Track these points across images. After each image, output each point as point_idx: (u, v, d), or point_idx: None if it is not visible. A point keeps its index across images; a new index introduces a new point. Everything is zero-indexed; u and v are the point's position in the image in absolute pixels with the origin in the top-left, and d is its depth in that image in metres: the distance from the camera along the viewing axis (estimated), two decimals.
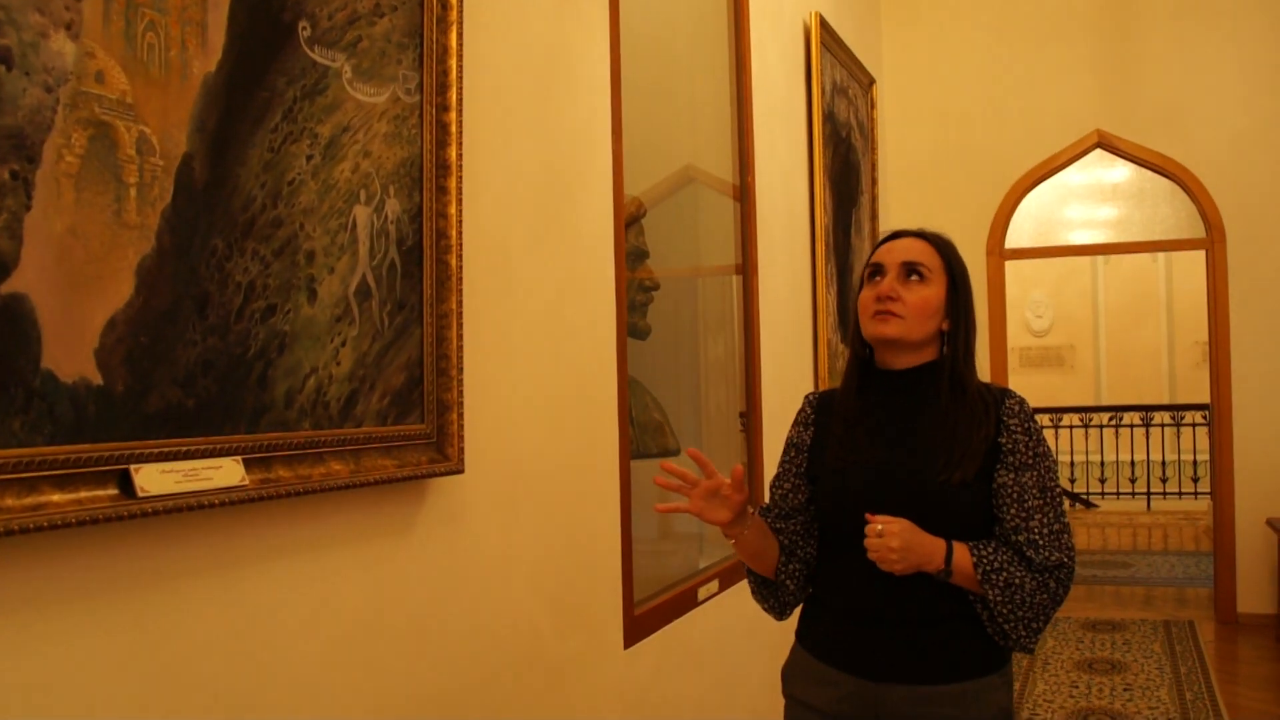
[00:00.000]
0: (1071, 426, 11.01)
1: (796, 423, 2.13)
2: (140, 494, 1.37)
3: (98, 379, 1.34)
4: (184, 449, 1.45)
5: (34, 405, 1.26)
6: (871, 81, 5.68)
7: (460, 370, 2.01)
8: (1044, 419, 10.85)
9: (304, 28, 1.68)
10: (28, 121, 1.26)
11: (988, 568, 1.85)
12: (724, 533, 1.97)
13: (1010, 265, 6.37)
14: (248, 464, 1.55)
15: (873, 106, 5.71)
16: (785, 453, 2.13)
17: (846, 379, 2.09)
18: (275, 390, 1.62)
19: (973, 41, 6.45)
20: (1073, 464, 10.86)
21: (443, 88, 2.00)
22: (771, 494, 2.13)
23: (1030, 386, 11.58)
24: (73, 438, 1.30)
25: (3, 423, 1.22)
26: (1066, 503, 10.76)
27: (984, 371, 2.03)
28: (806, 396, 2.16)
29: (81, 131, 1.32)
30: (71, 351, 1.31)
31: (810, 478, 2.08)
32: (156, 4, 1.43)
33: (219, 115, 1.52)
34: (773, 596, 2.10)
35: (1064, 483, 10.89)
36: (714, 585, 3.32)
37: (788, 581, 2.06)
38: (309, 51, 1.69)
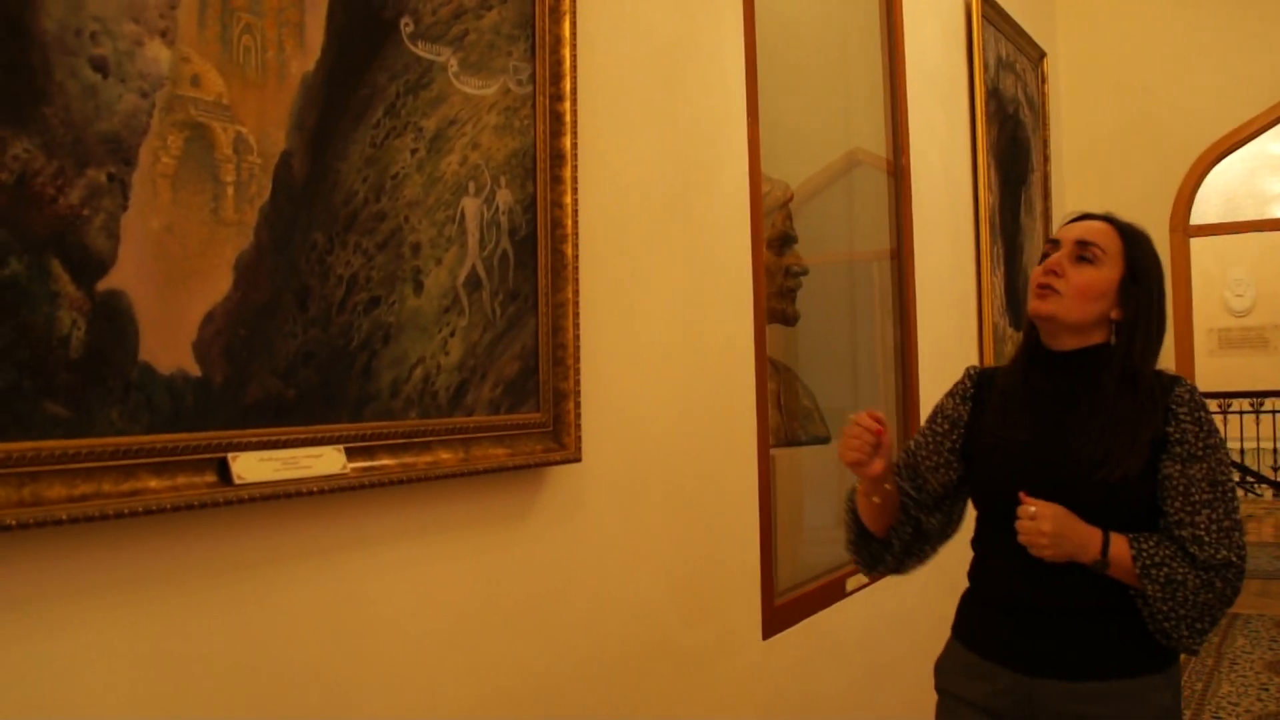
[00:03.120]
0: (1275, 411, 10.31)
1: (953, 394, 2.06)
2: (237, 481, 1.42)
3: (196, 370, 1.39)
4: (283, 438, 1.50)
5: (132, 396, 1.32)
6: (1042, 55, 5.43)
7: (577, 359, 2.01)
8: (1242, 404, 10.20)
9: (406, 24, 1.71)
10: (124, 126, 1.31)
11: (1147, 562, 1.76)
12: (866, 487, 1.95)
13: (1206, 242, 6.02)
14: (350, 453, 1.59)
15: (1043, 81, 5.46)
16: (934, 421, 2.07)
17: (1015, 356, 2.03)
18: (380, 380, 1.65)
19: (1153, 7, 6.08)
20: (1276, 450, 10.16)
21: (556, 78, 2.00)
22: (908, 456, 2.07)
23: (1230, 370, 10.91)
24: (170, 427, 1.36)
25: (101, 412, 1.29)
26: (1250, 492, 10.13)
27: (1168, 355, 1.91)
28: (968, 369, 2.09)
29: (178, 134, 1.37)
30: (169, 344, 1.37)
31: (964, 455, 2.01)
32: (252, 7, 1.47)
33: (318, 113, 1.56)
34: (870, 551, 2.06)
35: (1267, 471, 10.22)
36: (864, 576, 3.25)
37: (894, 541, 2.02)
38: (412, 47, 1.72)
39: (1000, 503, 1.87)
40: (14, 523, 1.18)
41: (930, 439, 2.06)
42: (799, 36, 3.44)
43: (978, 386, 2.05)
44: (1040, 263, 1.95)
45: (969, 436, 2.02)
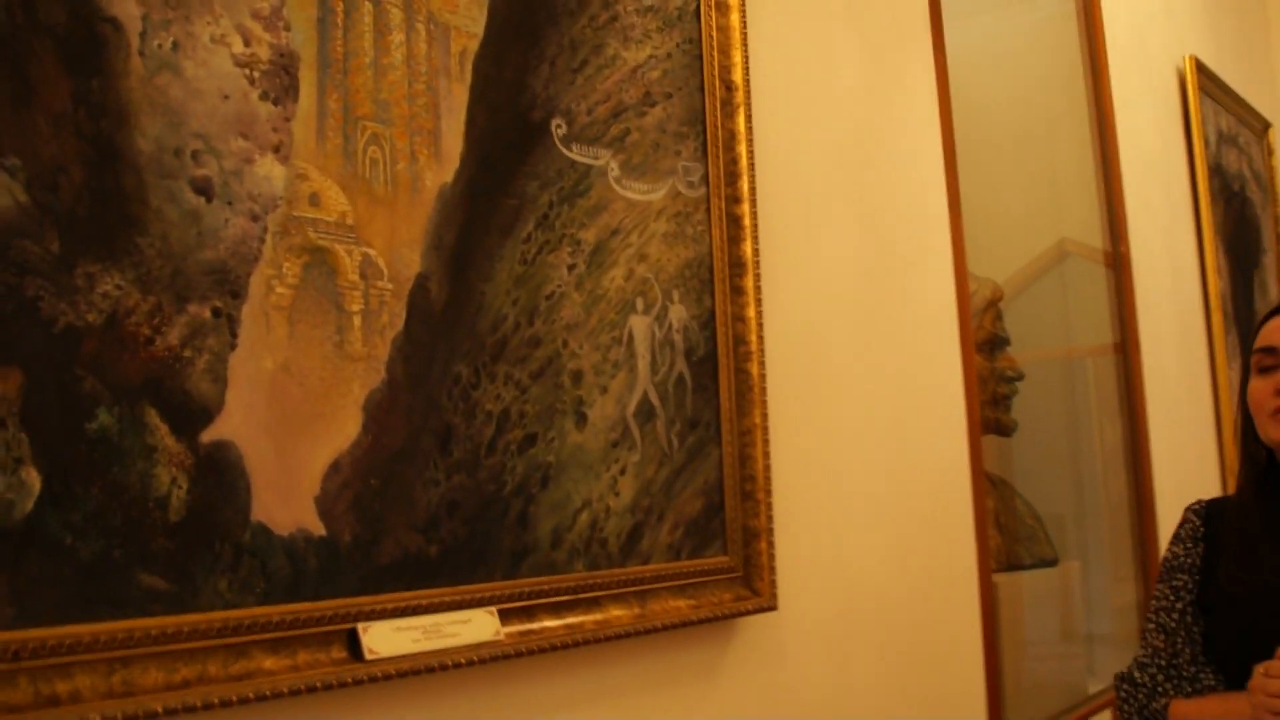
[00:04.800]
0: None
1: (1179, 539, 1.74)
2: (369, 656, 1.22)
3: (319, 529, 1.21)
4: (424, 602, 1.29)
5: (243, 563, 1.14)
6: (1266, 126, 4.98)
7: (769, 492, 1.76)
8: None
9: (558, 125, 1.53)
10: (231, 254, 1.16)
11: None
12: None
13: None
14: (505, 615, 1.38)
15: (1270, 154, 5.00)
16: (1171, 577, 1.72)
17: (1242, 485, 1.69)
18: (539, 529, 1.44)
19: None
20: None
21: (732, 177, 1.79)
22: (1161, 640, 1.70)
23: None
24: (289, 596, 1.17)
25: (207, 583, 1.11)
26: None
27: None
28: (1189, 508, 1.76)
29: (294, 260, 1.21)
30: (287, 501, 1.18)
31: (1203, 607, 1.67)
32: (379, 115, 1.31)
33: (458, 229, 1.39)
34: None
35: None
36: (1104, 717, 2.85)
37: None
38: (566, 151, 1.54)
39: (1249, 662, 1.51)
40: (99, 718, 1.00)
41: (1172, 598, 1.71)
42: (998, 121, 3.17)
43: (1207, 523, 1.72)
44: (1250, 374, 1.66)
45: (1205, 584, 1.67)
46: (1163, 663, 1.68)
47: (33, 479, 1.00)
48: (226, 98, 1.17)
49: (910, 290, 2.28)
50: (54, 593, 1.00)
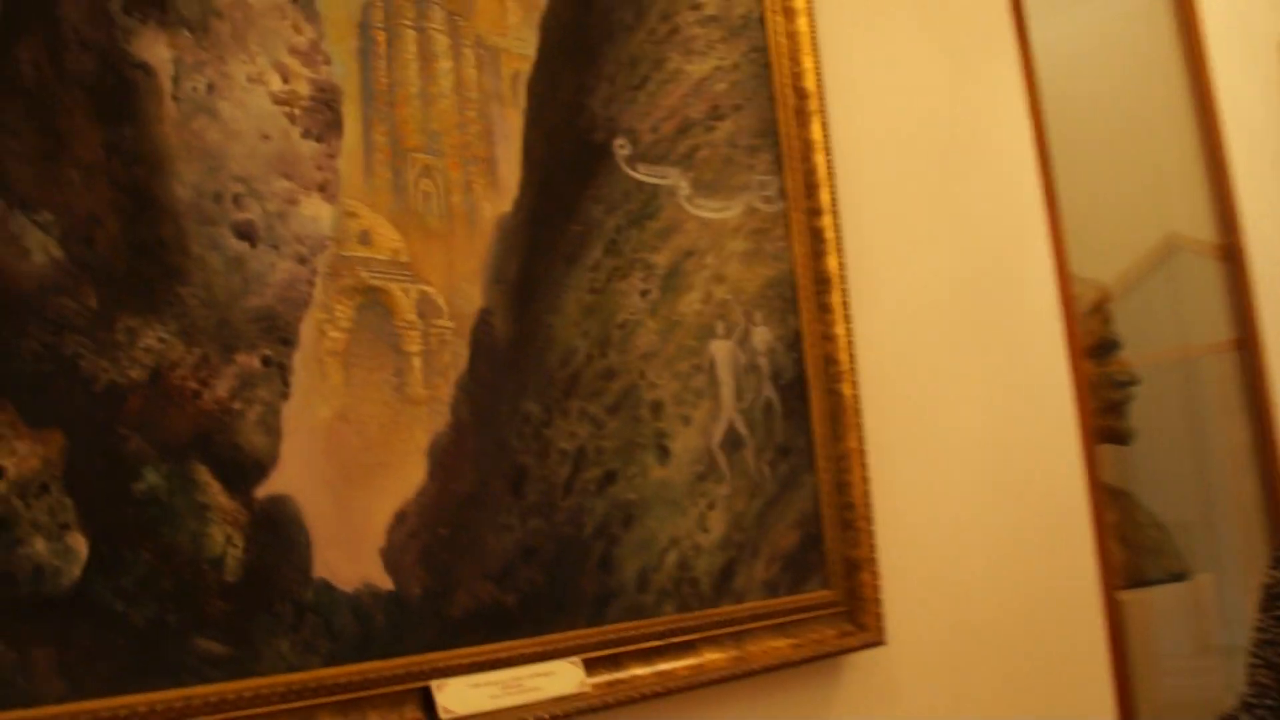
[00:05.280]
0: None
1: None
2: (444, 715, 1.15)
3: (387, 583, 1.14)
4: (502, 655, 1.22)
5: (306, 622, 1.08)
6: None
7: (869, 520, 1.66)
8: None
9: (621, 146, 1.46)
10: (279, 299, 1.11)
11: None
12: None
13: None
14: (590, 665, 1.30)
15: None
16: (1271, 607, 1.57)
17: None
18: (623, 572, 1.36)
19: None
20: None
21: (811, 189, 1.70)
22: (1270, 678, 1.56)
23: None
24: (356, 655, 1.11)
25: (267, 645, 1.05)
26: None
27: None
28: None
29: (347, 301, 1.16)
30: (351, 555, 1.12)
31: None
32: (430, 146, 1.26)
33: (521, 260, 1.32)
34: None
35: None
36: None
37: None
38: (631, 172, 1.47)
39: None
40: None
41: (1278, 630, 1.56)
42: (1092, 115, 3.03)
43: None
44: None
45: None
46: (1271, 702, 1.53)
47: (80, 545, 0.95)
48: (266, 138, 1.12)
49: (1009, 296, 2.16)
50: (106, 663, 0.95)
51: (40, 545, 0.93)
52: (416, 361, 1.21)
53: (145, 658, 0.97)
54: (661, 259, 1.49)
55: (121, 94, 1.03)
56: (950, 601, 1.85)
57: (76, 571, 0.95)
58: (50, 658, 0.93)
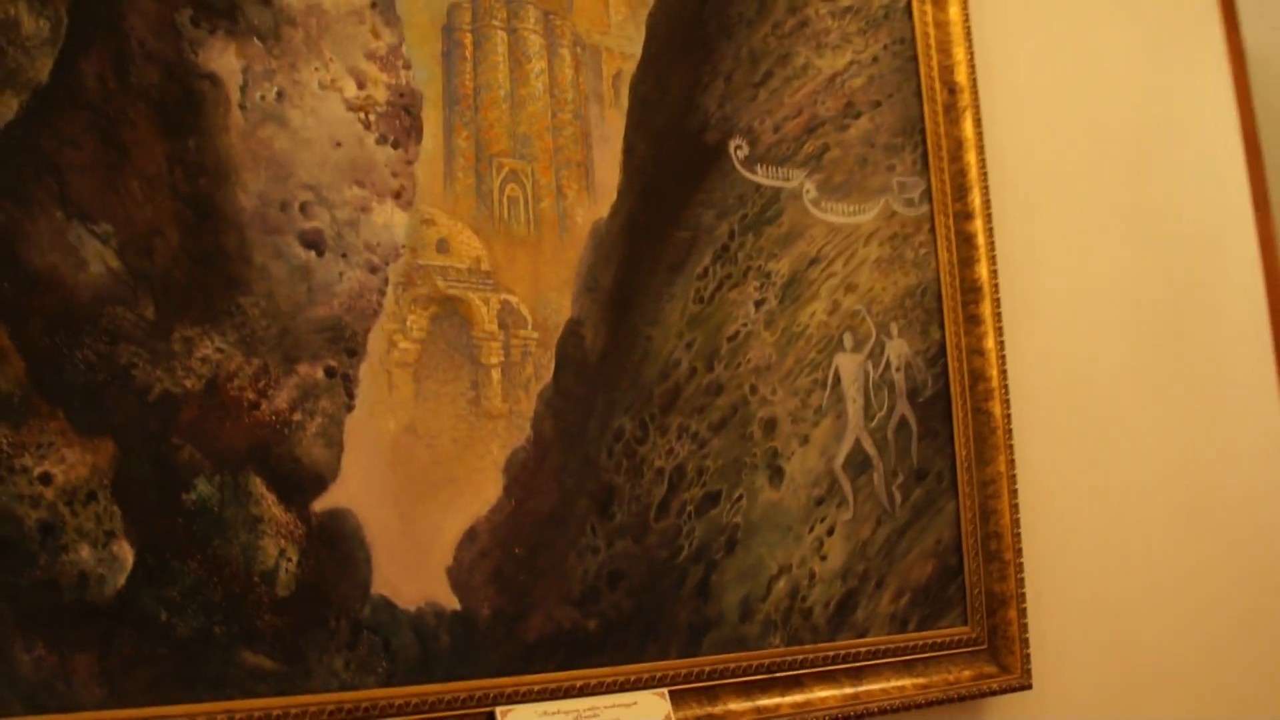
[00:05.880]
0: None
1: None
2: None
3: (452, 603, 1.11)
4: (578, 682, 1.16)
5: (362, 640, 1.05)
6: None
7: (1018, 552, 1.52)
8: None
9: (738, 147, 1.38)
10: (346, 309, 1.09)
11: None
12: None
13: None
14: (680, 697, 1.22)
15: None
16: None
17: None
18: (723, 600, 1.28)
19: None
20: None
21: (961, 190, 1.57)
22: None
23: None
24: (417, 676, 1.07)
25: (320, 662, 1.03)
26: None
27: None
28: None
29: (421, 311, 1.13)
30: (414, 572, 1.09)
31: None
32: (517, 150, 1.22)
33: (617, 269, 1.27)
34: None
35: None
36: None
37: None
38: (748, 174, 1.39)
39: None
40: None
41: None
42: None
43: None
44: None
45: None
46: None
47: (125, 553, 0.96)
48: (338, 145, 1.11)
49: (1203, 306, 1.94)
50: (148, 672, 0.95)
51: (85, 552, 0.94)
52: (495, 374, 1.17)
53: (189, 668, 0.97)
54: (781, 266, 1.40)
55: (187, 105, 1.04)
56: (1111, 643, 1.67)
57: (121, 580, 0.95)
58: (91, 664, 0.93)
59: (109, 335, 0.97)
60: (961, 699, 1.43)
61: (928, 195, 1.55)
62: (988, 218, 1.57)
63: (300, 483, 1.04)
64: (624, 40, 1.31)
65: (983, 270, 1.56)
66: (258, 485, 1.02)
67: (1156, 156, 1.93)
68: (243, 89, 1.06)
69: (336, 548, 1.05)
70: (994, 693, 1.46)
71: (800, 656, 1.32)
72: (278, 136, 1.07)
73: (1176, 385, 1.85)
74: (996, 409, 1.53)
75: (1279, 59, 2.14)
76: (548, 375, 1.20)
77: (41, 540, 0.93)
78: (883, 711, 1.35)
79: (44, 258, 0.96)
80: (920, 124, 1.56)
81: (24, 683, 0.90)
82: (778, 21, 1.44)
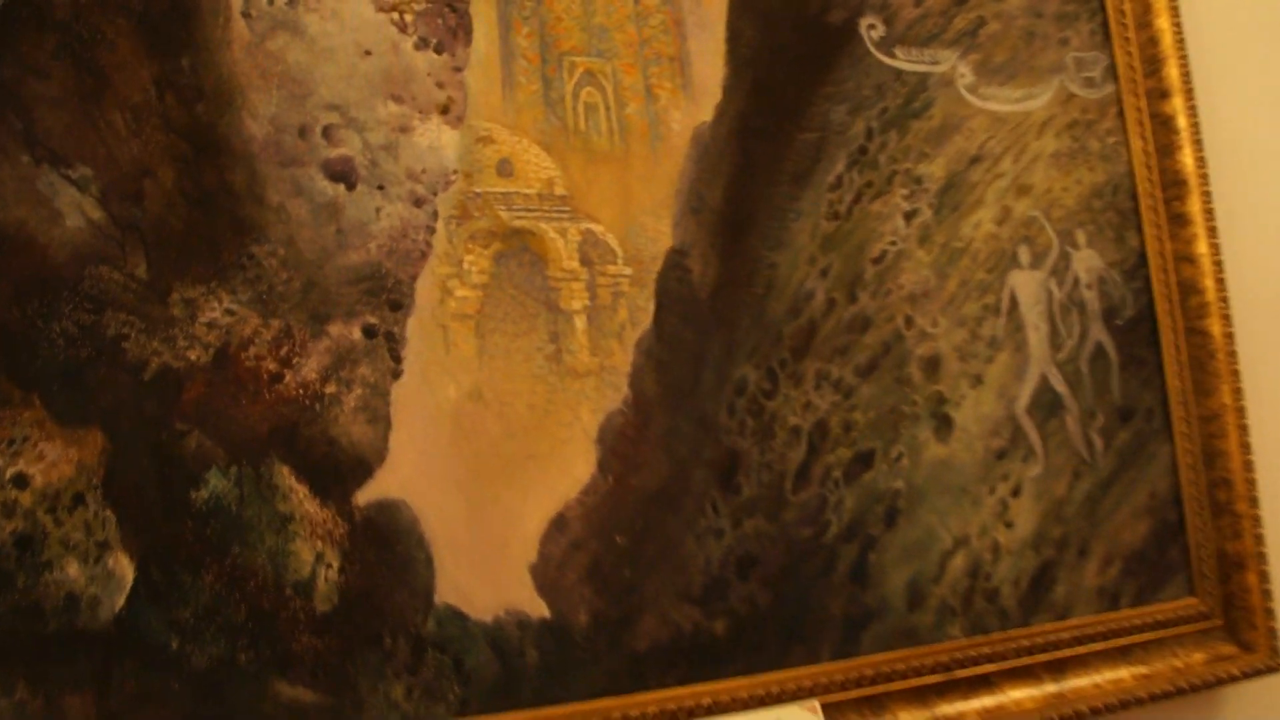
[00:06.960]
0: None
1: None
2: None
3: (540, 609, 0.90)
4: (705, 698, 0.95)
5: (426, 661, 0.86)
6: None
7: (1253, 502, 1.23)
8: None
9: (871, 26, 1.13)
10: (387, 254, 0.89)
11: None
12: None
13: None
14: (837, 709, 1.00)
15: None
16: None
17: None
18: (884, 584, 1.04)
19: None
20: None
21: (1153, 63, 1.28)
22: None
23: None
24: (498, 702, 0.88)
25: (373, 690, 0.84)
26: None
27: None
28: None
29: (481, 250, 0.92)
30: (489, 574, 0.89)
31: None
32: (594, 46, 0.99)
33: (726, 183, 1.03)
34: None
35: None
36: None
37: None
38: (886, 58, 1.13)
39: None
40: None
41: None
42: None
43: None
44: None
45: None
46: None
47: (124, 568, 0.78)
48: (368, 54, 0.90)
49: None
50: (158, 710, 0.78)
51: (74, 569, 0.77)
52: (580, 321, 0.95)
53: (209, 706, 0.79)
54: (935, 169, 1.14)
55: (177, 16, 0.85)
56: None
57: (119, 600, 0.78)
58: (86, 706, 0.77)
59: (92, 301, 0.80)
60: (1194, 689, 1.16)
61: (1112, 72, 1.27)
62: (1188, 94, 1.28)
63: (338, 470, 0.85)
64: None
65: (1187, 159, 1.27)
66: (285, 476, 0.83)
67: None
68: None
69: (388, 548, 0.86)
70: (1234, 679, 1.19)
71: (987, 649, 1.07)
72: (291, 48, 0.88)
73: None
74: (1215, 328, 1.24)
75: None
76: (646, 320, 0.98)
77: (18, 557, 0.76)
78: (1094, 713, 1.09)
79: (9, 212, 0.79)
80: None
81: None
82: None
